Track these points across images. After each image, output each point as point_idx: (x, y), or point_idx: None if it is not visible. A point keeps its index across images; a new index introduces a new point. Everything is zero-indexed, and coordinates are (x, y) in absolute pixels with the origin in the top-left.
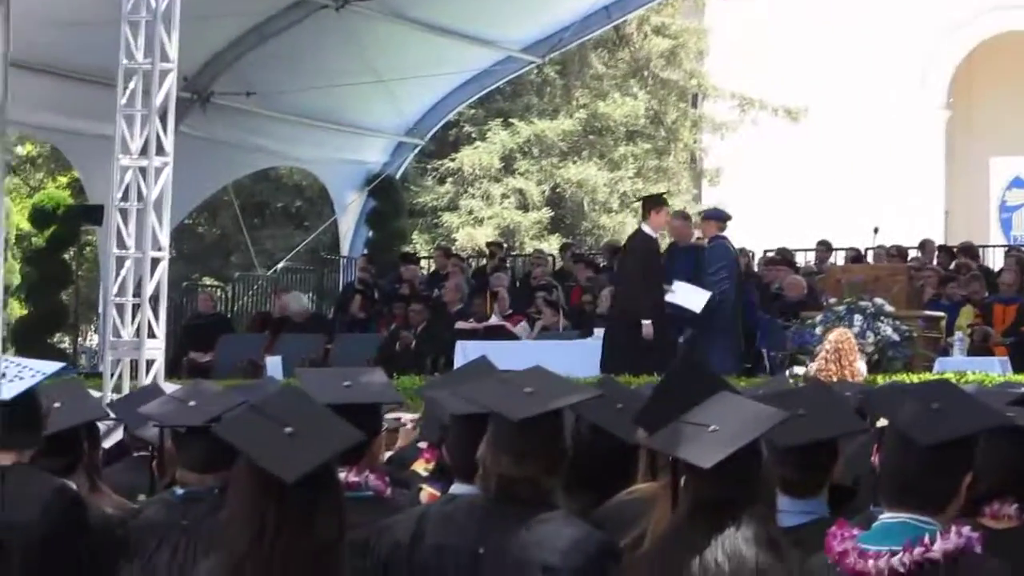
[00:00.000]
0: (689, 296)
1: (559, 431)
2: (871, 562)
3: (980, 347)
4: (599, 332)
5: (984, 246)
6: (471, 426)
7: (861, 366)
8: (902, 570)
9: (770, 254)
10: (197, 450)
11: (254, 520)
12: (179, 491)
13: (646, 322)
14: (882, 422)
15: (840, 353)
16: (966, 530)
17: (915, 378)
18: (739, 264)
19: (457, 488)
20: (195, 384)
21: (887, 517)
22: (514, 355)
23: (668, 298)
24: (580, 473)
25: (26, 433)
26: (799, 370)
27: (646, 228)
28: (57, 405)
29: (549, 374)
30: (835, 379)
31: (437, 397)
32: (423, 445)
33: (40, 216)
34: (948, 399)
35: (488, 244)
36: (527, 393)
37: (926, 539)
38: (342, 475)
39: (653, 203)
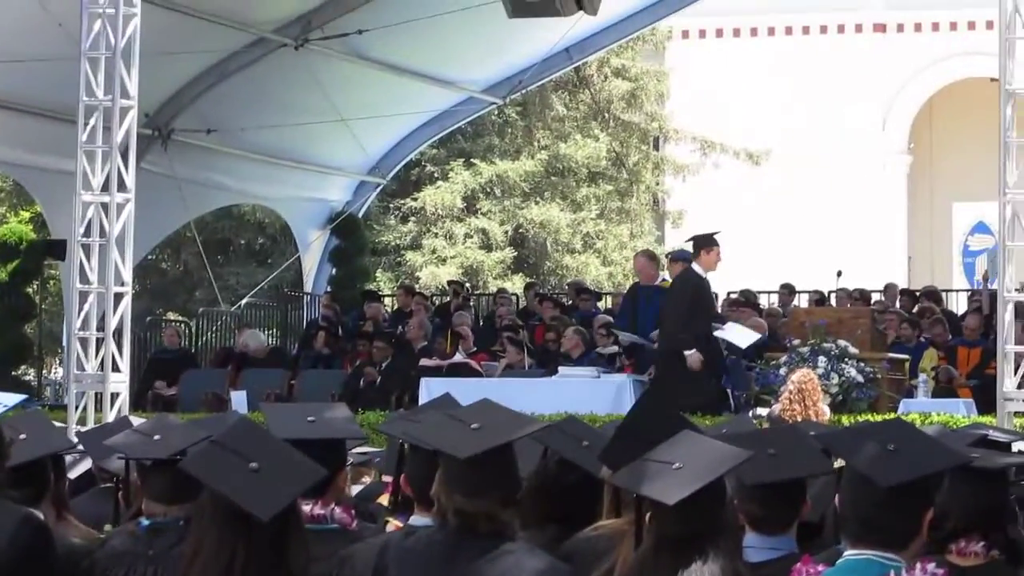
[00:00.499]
0: (737, 334)
1: (509, 464)
2: None
3: (944, 389)
4: (564, 371)
5: (947, 290)
6: (425, 457)
7: (824, 407)
8: None
9: (733, 295)
10: (162, 482)
11: (223, 554)
12: (145, 522)
13: (690, 352)
14: (840, 462)
15: (804, 394)
16: (931, 567)
17: (879, 419)
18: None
19: (416, 520)
20: (159, 417)
21: (851, 554)
22: (478, 393)
23: (716, 334)
24: (546, 507)
25: None
26: (762, 411)
27: (695, 267)
28: (23, 436)
29: (497, 408)
30: (799, 419)
31: (394, 431)
32: (388, 479)
33: (3, 250)
34: (904, 439)
35: (450, 283)
36: (473, 429)
37: (891, 575)
38: (307, 508)
39: (704, 243)
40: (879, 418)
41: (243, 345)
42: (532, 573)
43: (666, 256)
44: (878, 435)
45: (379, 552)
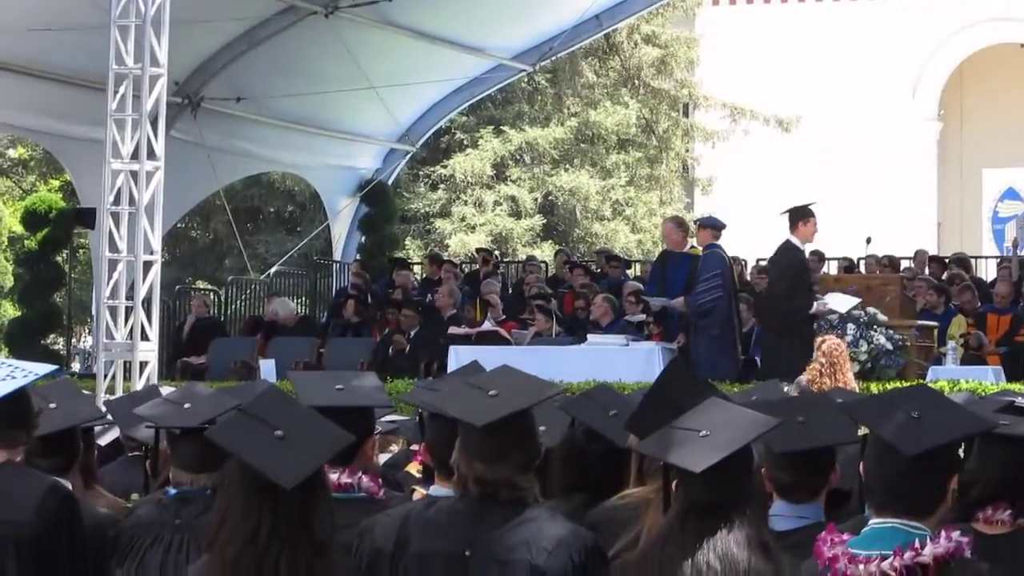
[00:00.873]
0: (838, 301)
1: (528, 430)
2: (861, 567)
3: (973, 356)
4: (592, 339)
5: (976, 257)
6: (444, 425)
7: (851, 376)
8: (892, 574)
9: (762, 263)
10: (190, 451)
11: (249, 522)
12: (172, 491)
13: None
14: (864, 430)
15: (833, 363)
16: (956, 535)
17: (903, 386)
18: (732, 272)
19: (436, 490)
20: (188, 386)
21: (876, 522)
22: (507, 360)
23: (817, 304)
24: (572, 476)
25: (16, 431)
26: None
27: (793, 239)
28: (52, 406)
29: (515, 373)
30: (827, 388)
31: (415, 400)
32: (416, 448)
33: (32, 219)
34: (927, 406)
35: (478, 250)
36: (491, 396)
37: (916, 544)
38: (335, 476)
39: (800, 214)
40: (905, 385)
41: (272, 313)
42: (554, 539)
43: (695, 223)
44: (902, 402)
45: (400, 523)
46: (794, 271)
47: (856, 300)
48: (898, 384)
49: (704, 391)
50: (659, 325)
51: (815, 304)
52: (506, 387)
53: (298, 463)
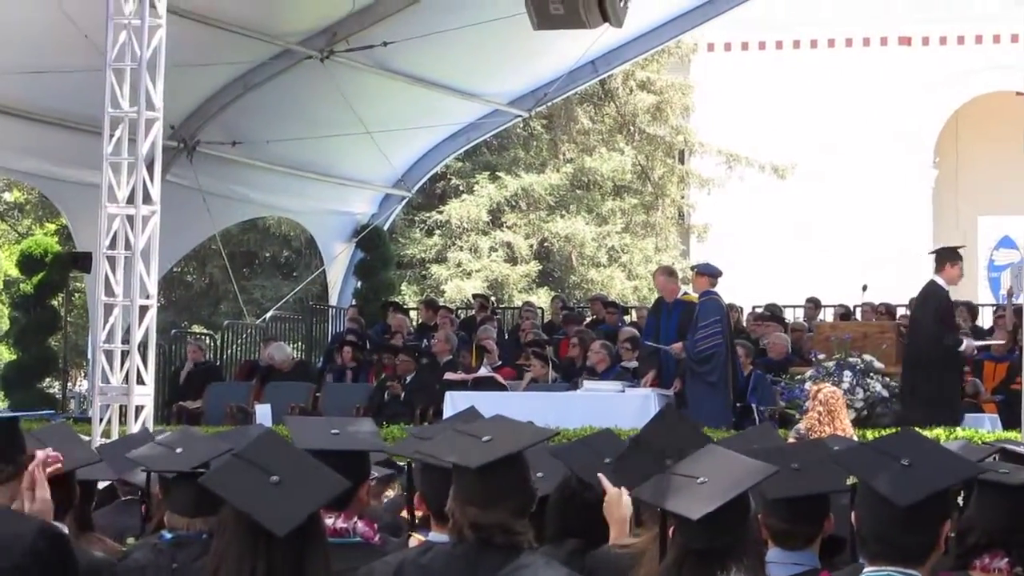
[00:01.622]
0: (978, 343)
1: (521, 474)
2: None
3: (969, 404)
4: (588, 385)
5: (967, 303)
6: (439, 473)
7: (848, 424)
8: None
9: (758, 310)
10: (185, 495)
11: (244, 568)
12: (167, 535)
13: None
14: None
15: (831, 412)
16: None
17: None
18: (729, 319)
19: (434, 536)
20: (183, 430)
21: (871, 571)
22: (503, 407)
23: (965, 343)
24: (566, 522)
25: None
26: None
27: (938, 280)
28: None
29: (507, 420)
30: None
31: (405, 452)
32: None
33: (28, 263)
34: (916, 453)
35: (475, 296)
36: (484, 442)
37: None
38: (330, 521)
39: (948, 256)
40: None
41: (269, 357)
42: None
43: (692, 269)
44: (891, 450)
45: (395, 571)
46: (942, 312)
47: (995, 342)
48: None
49: (691, 438)
50: (648, 370)
51: (964, 343)
52: (499, 432)
53: (291, 509)
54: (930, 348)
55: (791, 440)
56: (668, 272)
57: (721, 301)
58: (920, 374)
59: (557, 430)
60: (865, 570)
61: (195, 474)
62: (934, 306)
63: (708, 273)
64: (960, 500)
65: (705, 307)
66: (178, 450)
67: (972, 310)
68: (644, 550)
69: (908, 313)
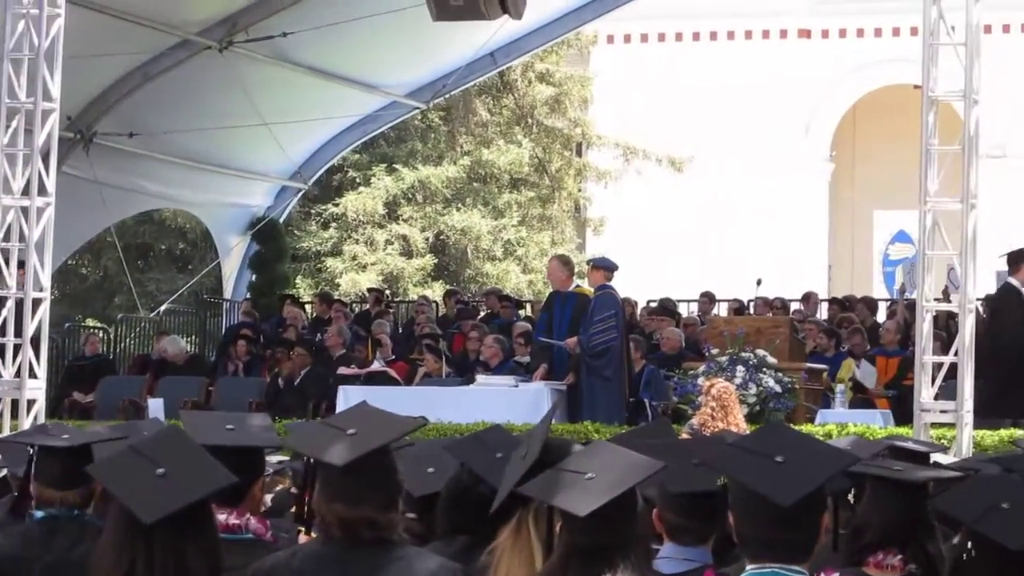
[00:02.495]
0: None
1: (388, 466)
2: None
3: (861, 399)
4: (481, 379)
5: (867, 298)
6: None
7: (741, 419)
8: None
9: (652, 304)
10: (54, 467)
11: (124, 559)
12: (38, 514)
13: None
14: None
15: (724, 406)
16: None
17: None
18: (624, 313)
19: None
20: (69, 427)
21: (753, 568)
22: (396, 401)
23: None
24: (456, 518)
25: None
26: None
27: (1013, 281)
28: None
29: (373, 412)
30: (718, 431)
31: (291, 442)
32: (296, 491)
33: None
34: (788, 449)
35: (369, 290)
36: (349, 435)
37: None
38: (223, 517)
39: (1021, 258)
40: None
41: (162, 350)
42: (424, 574)
43: (587, 263)
44: (761, 448)
45: (268, 572)
46: (1020, 313)
47: None
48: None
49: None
50: (540, 364)
51: None
52: (365, 426)
53: (165, 500)
54: (1007, 349)
55: (684, 435)
56: (563, 260)
57: (617, 295)
58: (1013, 375)
59: (424, 420)
60: (748, 568)
61: (69, 449)
62: (1009, 308)
63: (604, 267)
64: (851, 497)
65: (601, 301)
66: (64, 436)
67: (870, 305)
68: (499, 549)
69: (801, 308)
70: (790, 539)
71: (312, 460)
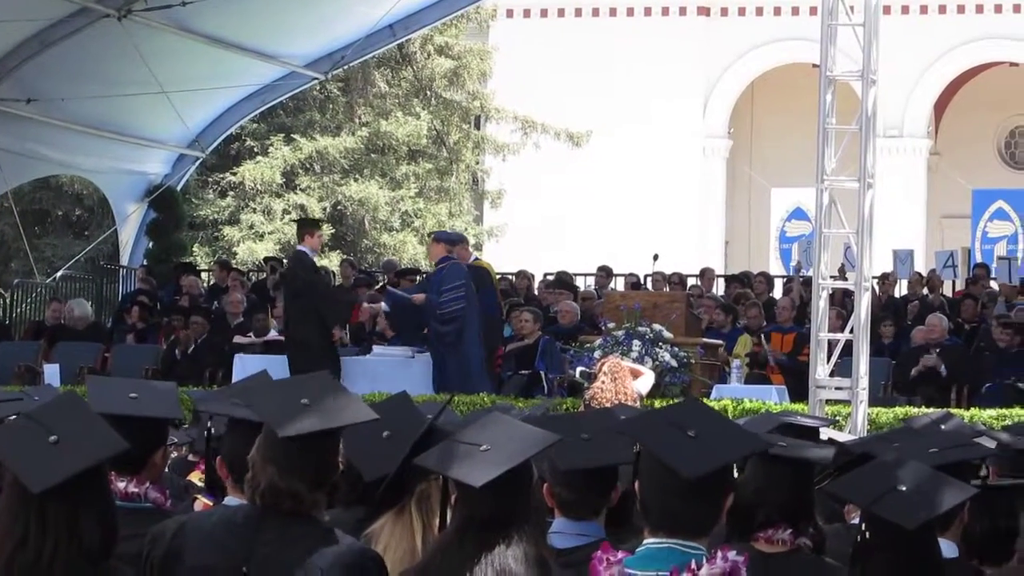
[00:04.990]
0: None
1: (332, 447)
2: None
3: (757, 375)
4: (378, 350)
5: (765, 273)
6: (246, 434)
7: (640, 384)
8: None
9: (550, 277)
10: None
11: (17, 527)
12: None
13: None
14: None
15: (615, 379)
16: (732, 554)
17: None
18: (470, 283)
19: (231, 500)
20: None
21: (651, 542)
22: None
23: None
24: (355, 488)
25: None
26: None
27: None
28: None
29: (331, 385)
30: (608, 404)
31: (212, 408)
32: (194, 457)
33: None
34: (702, 425)
35: (266, 259)
36: (303, 405)
37: (692, 564)
38: (122, 485)
39: None
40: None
41: (68, 311)
42: (331, 556)
43: (429, 236)
44: (677, 420)
45: (174, 532)
46: None
47: None
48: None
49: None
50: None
51: None
52: (319, 399)
53: (55, 468)
54: None
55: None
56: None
57: (463, 267)
58: None
59: (377, 417)
60: (646, 541)
61: None
62: None
63: (446, 240)
64: (735, 472)
65: (449, 271)
66: None
67: (769, 281)
68: (381, 527)
69: (698, 284)
70: (692, 514)
71: (212, 429)
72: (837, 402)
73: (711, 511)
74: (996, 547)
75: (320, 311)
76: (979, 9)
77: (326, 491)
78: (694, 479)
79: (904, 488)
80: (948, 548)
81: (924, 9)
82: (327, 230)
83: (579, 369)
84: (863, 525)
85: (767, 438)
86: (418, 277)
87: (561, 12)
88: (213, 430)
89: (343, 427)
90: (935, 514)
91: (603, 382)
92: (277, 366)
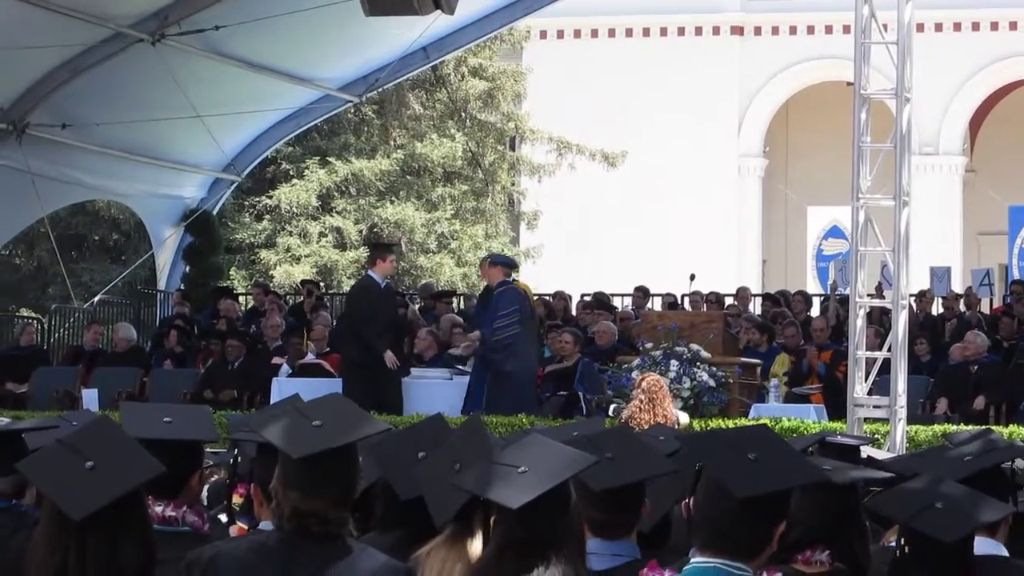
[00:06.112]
0: None
1: (349, 464)
2: None
3: (795, 395)
4: (416, 372)
5: (802, 292)
6: (273, 460)
7: (676, 411)
8: None
9: (587, 298)
10: None
11: (56, 554)
12: None
13: None
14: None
15: (653, 400)
16: None
17: (731, 424)
18: (528, 308)
19: (266, 525)
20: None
21: (698, 561)
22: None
23: None
24: (391, 511)
25: None
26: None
27: None
28: None
29: (342, 404)
30: (647, 425)
31: (240, 436)
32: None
33: None
34: (764, 449)
35: (303, 282)
36: (315, 427)
37: None
38: (159, 509)
39: None
40: (731, 423)
41: (114, 332)
42: (368, 573)
43: (484, 261)
44: (739, 442)
45: (208, 561)
46: None
47: None
48: (721, 422)
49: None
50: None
51: None
52: (330, 419)
53: (94, 494)
54: None
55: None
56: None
57: (519, 290)
58: None
59: (390, 426)
60: (693, 560)
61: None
62: None
63: (502, 263)
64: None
65: (503, 297)
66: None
67: (807, 299)
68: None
69: (735, 303)
70: (741, 534)
71: (238, 456)
72: (875, 420)
73: (761, 535)
74: None
75: (362, 336)
76: (1012, 26)
77: (350, 509)
78: (744, 498)
79: (941, 505)
80: (994, 547)
81: (957, 26)
82: (362, 253)
83: (612, 406)
84: (901, 540)
85: (825, 471)
86: (454, 300)
87: (594, 33)
88: (240, 457)
89: (357, 443)
90: (971, 528)
91: (641, 400)
92: (313, 389)
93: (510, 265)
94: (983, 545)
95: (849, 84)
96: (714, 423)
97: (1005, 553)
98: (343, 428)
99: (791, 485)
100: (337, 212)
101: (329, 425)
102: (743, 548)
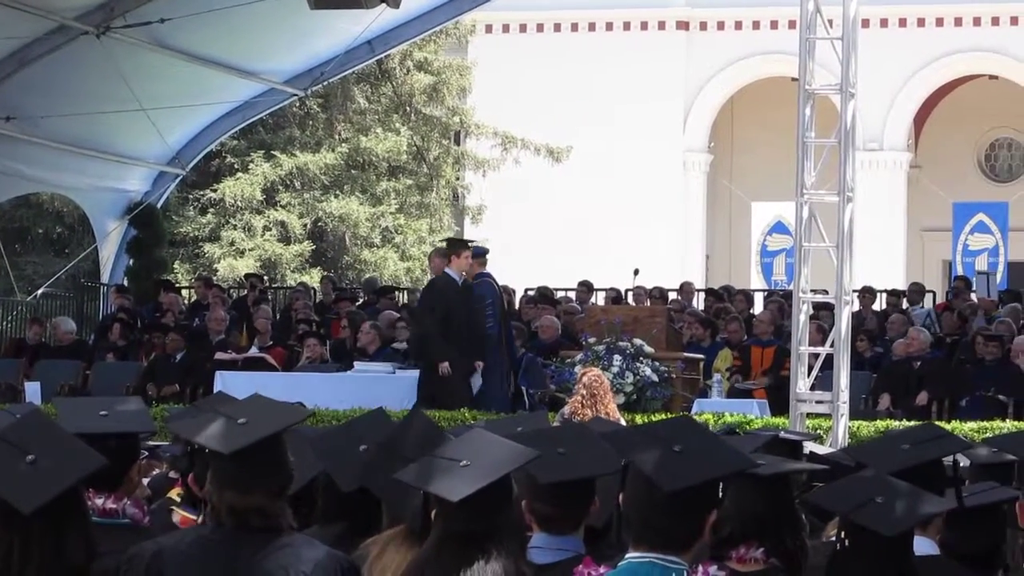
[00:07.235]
0: None
1: (279, 455)
2: None
3: (738, 390)
4: (359, 366)
5: (744, 291)
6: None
7: (615, 408)
8: None
9: (531, 292)
10: None
11: (0, 547)
12: None
13: None
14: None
15: (595, 395)
16: (713, 569)
17: (667, 417)
18: (502, 301)
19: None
20: None
21: (633, 556)
22: (274, 387)
23: None
24: (331, 505)
25: None
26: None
27: None
28: None
29: (264, 400)
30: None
31: (179, 428)
32: (174, 475)
33: None
34: (690, 441)
35: (247, 276)
36: (240, 424)
37: None
38: (99, 502)
39: None
40: (669, 416)
41: (54, 327)
42: (311, 562)
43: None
44: (665, 435)
45: (153, 554)
46: None
47: None
48: (664, 416)
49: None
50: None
51: None
52: (255, 414)
53: (40, 488)
54: None
55: (555, 424)
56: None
57: (494, 282)
58: None
59: (313, 411)
60: (628, 555)
61: None
62: None
63: (481, 255)
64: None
65: (479, 290)
66: None
67: (748, 297)
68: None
69: (678, 298)
70: (671, 527)
71: (195, 446)
72: (818, 415)
73: (691, 527)
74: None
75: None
76: (958, 22)
77: (288, 500)
78: (671, 493)
79: (882, 499)
80: (928, 546)
81: (903, 22)
82: (307, 247)
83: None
84: (841, 534)
85: (753, 458)
86: (397, 294)
87: (540, 27)
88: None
89: (283, 433)
90: (913, 523)
91: (583, 396)
92: (258, 383)
93: (484, 254)
94: (917, 544)
95: (794, 80)
96: (656, 418)
97: (936, 551)
98: (268, 420)
99: (718, 475)
100: (282, 206)
101: (254, 420)
102: (675, 541)
